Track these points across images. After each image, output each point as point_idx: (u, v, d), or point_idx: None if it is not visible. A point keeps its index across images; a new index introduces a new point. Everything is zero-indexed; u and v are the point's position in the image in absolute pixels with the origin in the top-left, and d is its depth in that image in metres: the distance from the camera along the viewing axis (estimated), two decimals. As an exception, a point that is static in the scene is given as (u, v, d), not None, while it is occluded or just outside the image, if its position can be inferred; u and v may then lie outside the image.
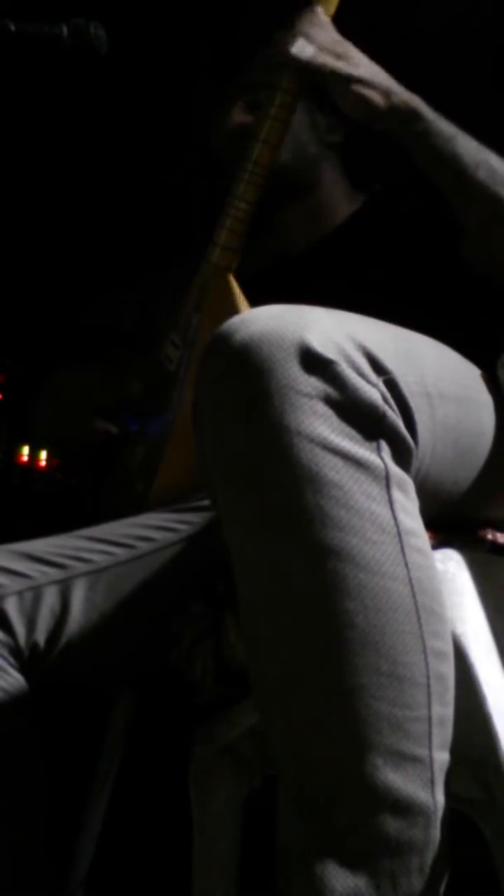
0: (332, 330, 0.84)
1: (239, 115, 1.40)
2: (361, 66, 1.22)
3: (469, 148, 1.22)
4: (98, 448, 1.44)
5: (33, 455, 2.06)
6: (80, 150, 2.13)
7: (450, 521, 1.00)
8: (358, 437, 0.82)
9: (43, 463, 2.05)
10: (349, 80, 1.21)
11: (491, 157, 1.22)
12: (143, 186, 2.07)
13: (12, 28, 1.23)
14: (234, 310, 1.24)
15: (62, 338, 1.73)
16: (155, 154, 2.06)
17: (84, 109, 2.09)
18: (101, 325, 1.64)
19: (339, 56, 1.22)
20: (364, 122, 1.25)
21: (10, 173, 1.97)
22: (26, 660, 1.14)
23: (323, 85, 1.25)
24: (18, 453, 2.07)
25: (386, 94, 1.22)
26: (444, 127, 1.22)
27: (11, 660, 1.13)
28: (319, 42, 1.23)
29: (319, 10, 1.26)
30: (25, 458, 2.06)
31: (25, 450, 2.06)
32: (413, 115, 1.22)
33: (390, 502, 0.82)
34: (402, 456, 0.85)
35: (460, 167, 1.21)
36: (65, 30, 1.24)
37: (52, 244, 2.15)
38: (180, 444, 1.27)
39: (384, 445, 0.83)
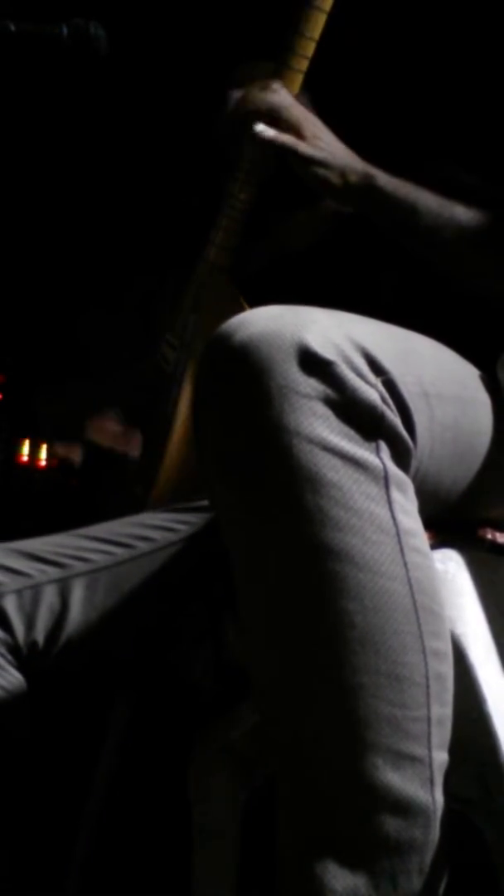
0: (331, 330, 0.84)
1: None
2: (321, 145, 1.23)
3: (430, 211, 1.21)
4: (95, 452, 1.44)
5: (33, 455, 2.06)
6: (79, 151, 2.13)
7: (449, 520, 1.00)
8: (357, 437, 0.82)
9: (43, 463, 2.05)
10: (309, 161, 1.22)
11: (456, 213, 1.20)
12: (143, 186, 2.07)
13: (12, 28, 1.23)
14: (230, 309, 1.23)
15: (61, 341, 1.73)
16: (155, 154, 2.06)
17: (84, 110, 2.09)
18: (99, 330, 1.64)
19: (300, 136, 1.23)
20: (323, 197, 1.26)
21: (10, 174, 1.97)
22: (25, 658, 1.14)
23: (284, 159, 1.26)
24: (18, 453, 2.07)
25: (342, 173, 1.23)
26: (401, 195, 1.21)
27: (10, 657, 1.13)
28: (284, 118, 1.23)
29: (279, 87, 1.25)
30: (25, 458, 2.06)
31: (25, 449, 2.06)
32: (368, 190, 1.22)
33: (389, 502, 0.82)
34: (401, 456, 0.85)
35: (422, 233, 1.21)
36: (65, 30, 1.24)
37: (53, 244, 2.15)
38: (178, 445, 1.27)
39: (383, 446, 0.83)
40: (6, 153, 1.95)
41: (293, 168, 1.25)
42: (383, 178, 1.22)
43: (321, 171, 1.23)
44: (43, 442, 2.05)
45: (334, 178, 1.23)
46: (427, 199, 1.21)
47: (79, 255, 2.12)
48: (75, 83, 1.96)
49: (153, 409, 1.35)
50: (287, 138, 1.23)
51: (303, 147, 1.23)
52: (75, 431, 1.43)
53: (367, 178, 1.23)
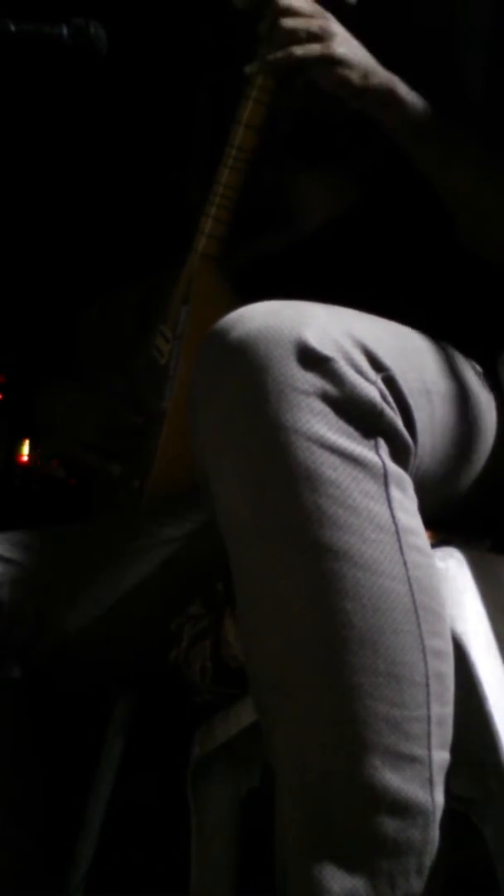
0: (330, 326, 0.84)
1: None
2: (341, 43, 1.16)
3: (449, 133, 1.18)
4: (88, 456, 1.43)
5: (33, 455, 2.05)
6: (79, 150, 2.13)
7: (450, 519, 1.00)
8: (356, 434, 0.82)
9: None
10: (330, 58, 1.17)
11: (474, 142, 1.18)
12: (143, 186, 2.07)
13: (12, 28, 1.23)
14: (220, 299, 1.23)
15: (62, 340, 1.73)
16: (155, 153, 2.06)
17: (84, 109, 2.09)
18: (100, 327, 1.63)
19: (317, 37, 1.16)
20: (342, 100, 1.22)
21: (9, 173, 1.97)
22: (24, 652, 1.14)
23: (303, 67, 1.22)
24: (18, 453, 2.07)
25: (364, 74, 1.17)
26: (422, 111, 1.17)
27: (9, 650, 1.13)
28: (296, 25, 1.18)
29: None
30: (25, 458, 2.06)
31: (25, 449, 2.06)
32: (390, 97, 1.18)
33: (388, 500, 0.82)
34: (401, 454, 0.85)
35: (439, 152, 1.17)
36: (65, 30, 1.24)
37: (52, 243, 2.15)
38: (173, 438, 1.27)
39: (382, 443, 0.83)
40: (6, 153, 1.95)
41: (313, 73, 1.19)
42: (403, 88, 1.17)
43: (343, 70, 1.15)
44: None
45: (355, 78, 1.16)
46: (447, 121, 1.17)
47: (79, 255, 2.12)
48: (75, 83, 1.96)
49: (148, 401, 1.34)
50: (301, 49, 1.15)
51: (320, 48, 1.15)
52: (74, 431, 1.42)
53: (389, 82, 1.17)
